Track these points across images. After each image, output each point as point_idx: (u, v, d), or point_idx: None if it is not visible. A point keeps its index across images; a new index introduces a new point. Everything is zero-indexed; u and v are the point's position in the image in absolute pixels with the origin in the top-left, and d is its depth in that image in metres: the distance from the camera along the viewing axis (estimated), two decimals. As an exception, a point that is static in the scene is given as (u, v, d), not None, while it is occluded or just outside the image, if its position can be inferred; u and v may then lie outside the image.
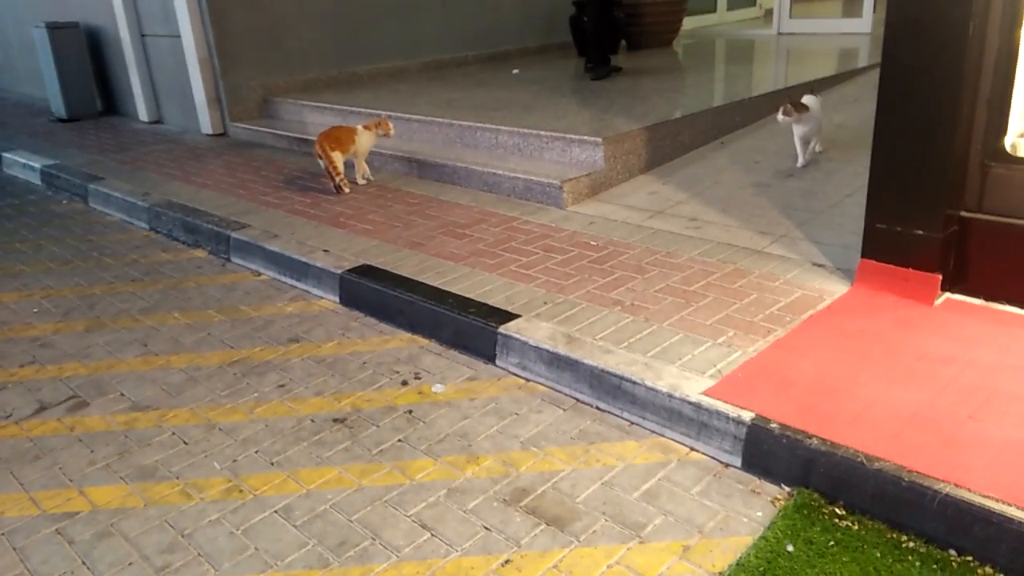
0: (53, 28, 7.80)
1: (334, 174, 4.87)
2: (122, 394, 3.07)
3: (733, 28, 10.28)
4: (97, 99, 8.38)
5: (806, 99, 4.46)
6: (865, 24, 8.30)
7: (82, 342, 3.53)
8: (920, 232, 2.92)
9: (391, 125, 5.01)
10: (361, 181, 5.09)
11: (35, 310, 3.92)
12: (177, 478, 2.53)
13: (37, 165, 6.41)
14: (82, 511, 2.40)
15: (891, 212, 2.98)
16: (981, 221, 2.89)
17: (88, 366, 3.31)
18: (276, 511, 2.34)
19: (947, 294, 3.00)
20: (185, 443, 2.72)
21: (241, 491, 2.44)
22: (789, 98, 4.44)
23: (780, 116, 4.37)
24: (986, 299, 2.94)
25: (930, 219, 2.89)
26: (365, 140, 4.97)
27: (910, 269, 2.98)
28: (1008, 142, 2.84)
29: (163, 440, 2.74)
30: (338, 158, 4.88)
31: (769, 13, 9.87)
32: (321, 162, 4.91)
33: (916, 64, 2.80)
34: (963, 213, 2.91)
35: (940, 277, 2.94)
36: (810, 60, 7.47)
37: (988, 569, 1.92)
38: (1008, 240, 2.84)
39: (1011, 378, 2.46)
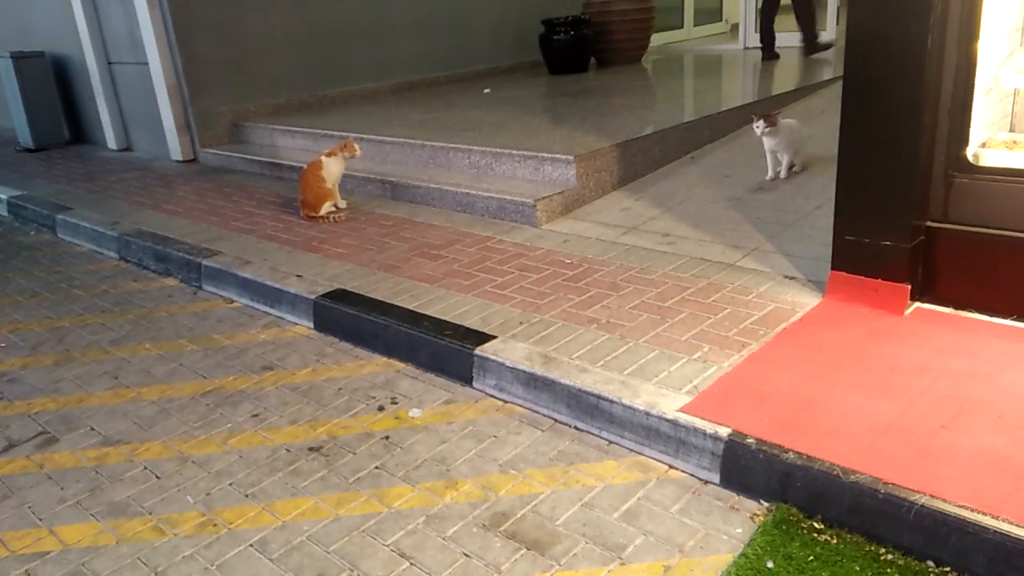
0: (18, 58, 7.72)
1: (335, 218, 4.90)
2: (92, 428, 3.01)
3: (700, 43, 10.42)
4: (65, 128, 8.29)
5: (786, 121, 4.52)
6: (829, 37, 8.42)
7: (51, 376, 3.47)
8: (888, 243, 2.96)
9: (357, 146, 4.92)
10: (331, 209, 5.00)
11: (2, 345, 3.84)
12: (150, 514, 2.48)
13: (4, 196, 6.32)
14: (52, 551, 2.35)
15: (859, 224, 3.02)
16: (947, 231, 2.93)
17: (57, 401, 3.25)
18: (251, 544, 2.30)
19: (917, 303, 3.03)
20: (157, 477, 2.67)
21: (215, 525, 2.40)
22: (755, 110, 4.50)
23: (758, 128, 4.42)
24: (955, 307, 2.98)
25: (897, 230, 2.93)
26: (334, 168, 4.89)
27: (879, 280, 3.01)
28: (970, 152, 2.89)
29: (135, 475, 2.69)
30: (328, 207, 4.92)
31: (735, 28, 10.02)
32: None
33: (877, 78, 2.84)
34: (929, 223, 2.95)
35: (909, 287, 2.97)
36: (777, 73, 7.57)
37: (966, 579, 1.94)
38: (974, 249, 2.88)
39: (982, 386, 2.49)
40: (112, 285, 4.53)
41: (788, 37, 8.96)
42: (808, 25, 7.77)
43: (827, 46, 7.88)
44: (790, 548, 2.08)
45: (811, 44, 7.83)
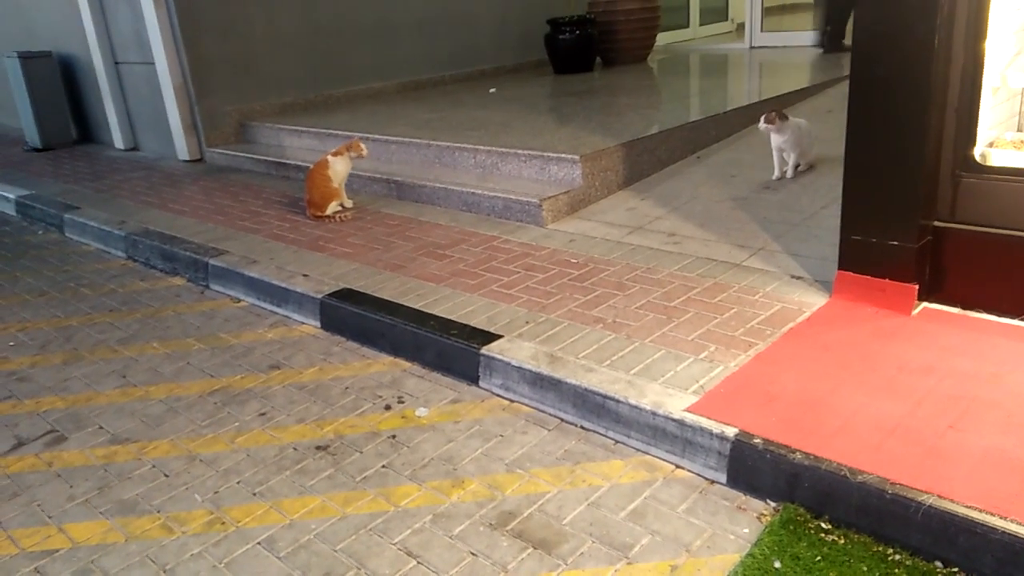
0: (26, 58, 7.75)
1: (341, 217, 4.90)
2: (101, 427, 3.03)
3: (706, 43, 10.41)
4: (72, 128, 8.32)
5: (795, 120, 4.52)
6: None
7: (60, 375, 3.49)
8: (895, 243, 2.95)
9: (363, 146, 4.92)
10: (337, 208, 5.01)
11: (11, 343, 3.86)
12: (158, 512, 2.49)
13: (11, 196, 6.34)
14: (62, 548, 2.36)
15: (866, 224, 3.01)
16: (954, 230, 2.93)
17: (66, 399, 3.27)
18: (259, 543, 2.31)
19: (924, 303, 3.03)
20: (166, 475, 2.68)
21: (223, 523, 2.41)
22: (761, 110, 4.50)
23: (762, 124, 4.44)
24: (962, 307, 2.97)
25: (904, 230, 2.93)
26: (340, 168, 4.89)
27: (887, 280, 3.01)
28: (977, 152, 2.89)
29: (143, 473, 2.71)
30: (334, 207, 4.92)
31: (741, 27, 10.01)
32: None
33: (884, 77, 2.84)
34: (936, 223, 2.95)
35: (916, 287, 2.97)
36: (782, 73, 7.57)
37: (973, 579, 1.94)
38: (981, 248, 2.88)
39: (989, 386, 2.48)
40: (119, 284, 4.55)
41: (797, 36, 8.95)
42: (842, 21, 7.85)
43: (848, 49, 7.98)
44: (797, 548, 2.08)
45: (835, 41, 7.94)
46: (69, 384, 3.40)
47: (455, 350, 3.13)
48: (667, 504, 2.33)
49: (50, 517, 2.52)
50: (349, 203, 5.06)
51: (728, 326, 3.03)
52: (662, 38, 9.52)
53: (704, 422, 2.42)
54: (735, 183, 4.72)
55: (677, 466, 2.49)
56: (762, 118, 4.44)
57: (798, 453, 2.24)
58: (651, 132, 5.13)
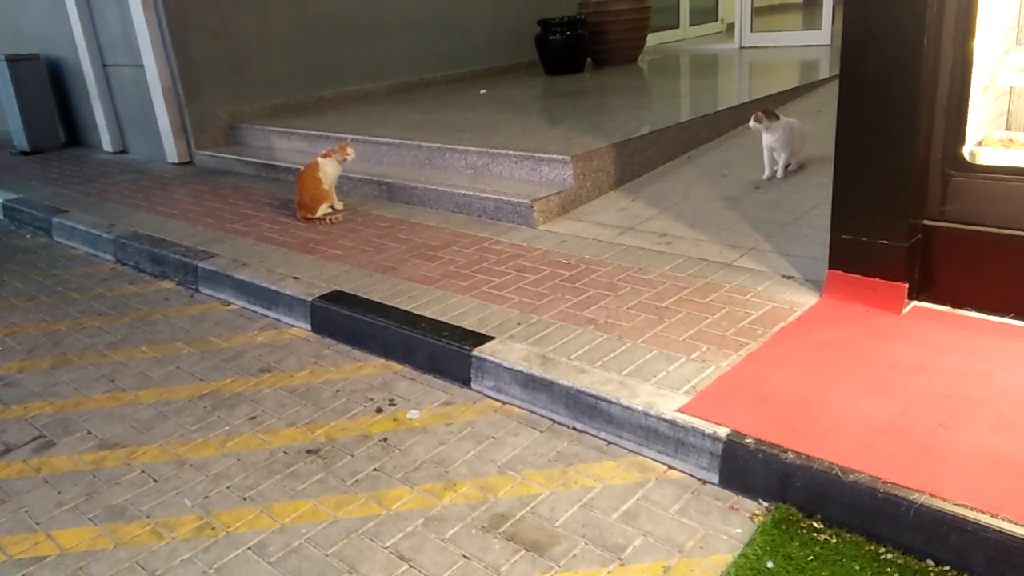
0: (13, 60, 7.69)
1: (331, 219, 4.89)
2: (89, 432, 3.00)
3: (696, 43, 10.42)
4: (60, 131, 8.27)
5: (787, 120, 4.53)
6: (824, 36, 8.45)
7: (48, 380, 3.46)
8: (885, 242, 2.96)
9: (350, 149, 4.90)
10: (327, 210, 4.98)
11: (-2, 348, 3.84)
12: (147, 517, 2.47)
13: (-1, 199, 6.31)
14: (50, 555, 2.34)
15: (855, 223, 3.02)
16: (944, 229, 2.93)
17: (54, 404, 3.24)
18: (250, 547, 2.29)
19: (914, 302, 3.04)
20: (155, 481, 2.66)
21: (213, 528, 2.39)
22: (751, 110, 4.51)
23: (752, 123, 4.45)
24: (952, 306, 2.98)
25: (894, 229, 2.93)
26: (330, 170, 4.87)
27: (877, 279, 3.01)
28: (966, 151, 2.89)
29: (132, 478, 2.69)
30: (325, 209, 4.91)
31: (731, 27, 10.02)
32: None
33: (874, 76, 2.84)
34: (926, 222, 2.95)
35: (907, 286, 2.97)
36: (772, 73, 7.59)
37: (965, 577, 1.94)
38: (970, 247, 2.88)
39: (979, 384, 2.49)
40: (108, 288, 4.52)
41: (787, 36, 8.98)
42: None
43: None
44: (790, 548, 2.08)
45: None
46: (57, 389, 3.37)
47: (447, 352, 3.12)
48: (659, 505, 2.32)
49: (38, 524, 2.49)
50: (339, 205, 5.05)
51: (719, 326, 3.03)
52: (652, 39, 9.53)
53: (696, 422, 2.42)
54: (726, 183, 4.72)
55: (669, 467, 2.49)
56: (753, 117, 4.46)
57: (790, 453, 2.23)
58: (642, 132, 5.13)
